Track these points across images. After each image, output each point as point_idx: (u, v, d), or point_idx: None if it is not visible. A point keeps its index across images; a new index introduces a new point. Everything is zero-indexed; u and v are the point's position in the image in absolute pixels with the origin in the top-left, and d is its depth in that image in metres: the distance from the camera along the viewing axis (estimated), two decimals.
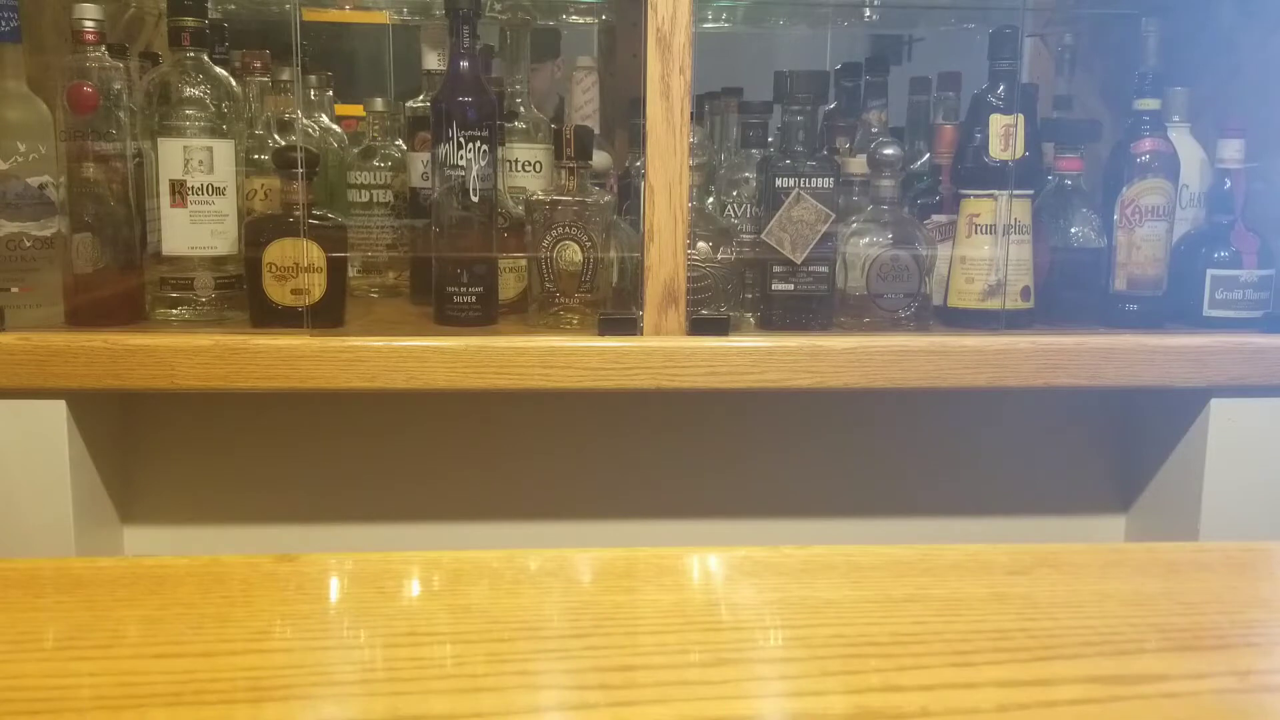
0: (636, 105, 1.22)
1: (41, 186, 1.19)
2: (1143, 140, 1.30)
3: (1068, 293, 1.34)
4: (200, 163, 1.22)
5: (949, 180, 1.36)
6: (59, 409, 1.15)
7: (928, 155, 1.43)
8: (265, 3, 1.57)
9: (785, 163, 1.26)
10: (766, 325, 1.28)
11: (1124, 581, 0.72)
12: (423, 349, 1.16)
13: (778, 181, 1.25)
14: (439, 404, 1.34)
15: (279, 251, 1.20)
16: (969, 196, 1.30)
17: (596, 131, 1.41)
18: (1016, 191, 1.28)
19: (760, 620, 0.66)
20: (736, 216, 1.36)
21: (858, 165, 1.34)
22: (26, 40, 1.19)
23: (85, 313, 1.20)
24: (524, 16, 1.39)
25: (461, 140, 1.21)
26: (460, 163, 1.21)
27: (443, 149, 1.22)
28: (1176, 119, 1.36)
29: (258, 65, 1.39)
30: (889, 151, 1.28)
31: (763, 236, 1.26)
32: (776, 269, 1.27)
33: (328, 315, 1.22)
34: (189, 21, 1.22)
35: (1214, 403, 1.25)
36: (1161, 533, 1.36)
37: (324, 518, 1.36)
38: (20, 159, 1.17)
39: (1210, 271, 1.31)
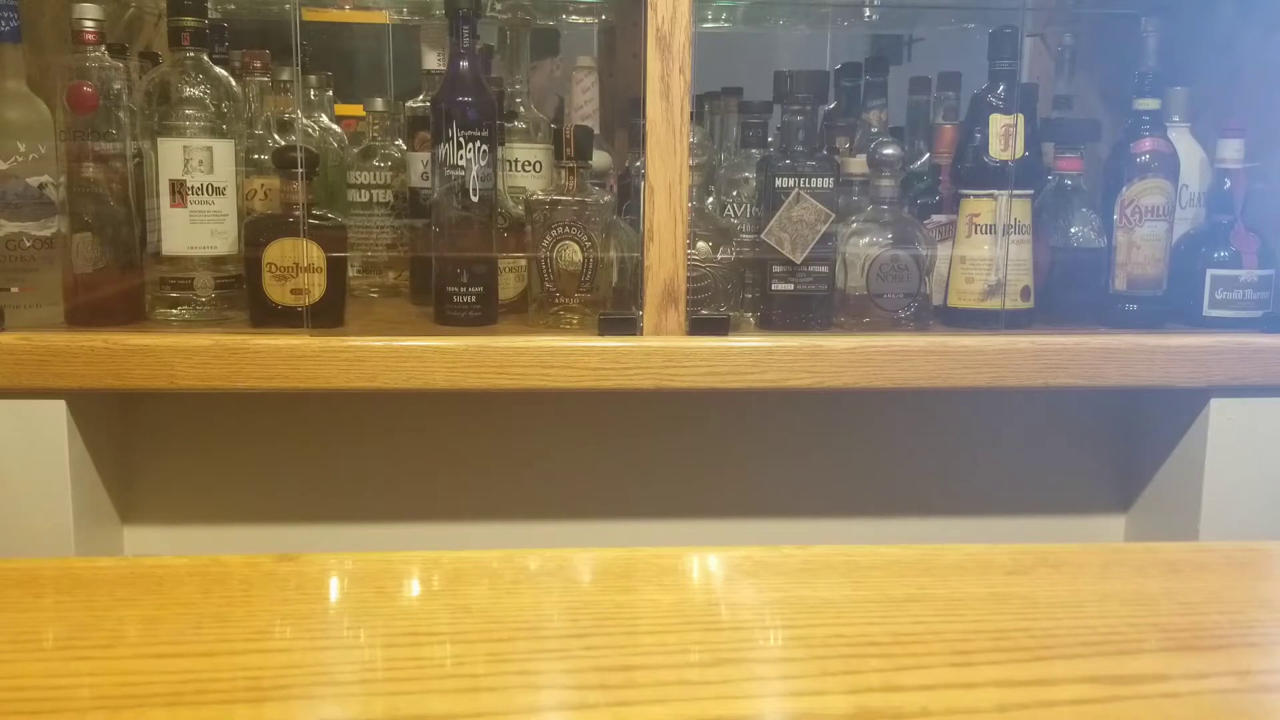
0: (636, 105, 1.22)
1: (41, 186, 1.19)
2: (1143, 140, 1.30)
3: (1068, 293, 1.34)
4: (200, 163, 1.22)
5: (949, 180, 1.36)
6: (59, 409, 1.15)
7: (928, 155, 1.43)
8: (265, 3, 1.57)
9: (785, 163, 1.26)
10: (766, 325, 1.28)
11: (1124, 581, 0.72)
12: (423, 349, 1.16)
13: (778, 181, 1.25)
14: (439, 404, 1.34)
15: (279, 251, 1.20)
16: (969, 196, 1.30)
17: (596, 131, 1.41)
18: (1016, 191, 1.28)
19: (760, 620, 0.66)
20: (736, 216, 1.36)
21: (858, 165, 1.34)
22: (26, 40, 1.19)
23: (85, 312, 1.20)
24: (524, 16, 1.39)
25: (461, 140, 1.21)
26: (460, 163, 1.21)
27: (443, 149, 1.22)
28: (1176, 119, 1.36)
29: (258, 65, 1.38)
30: (889, 151, 1.28)
31: (763, 236, 1.26)
32: (776, 269, 1.27)
33: (328, 315, 1.22)
34: (189, 21, 1.22)
35: (1214, 403, 1.25)
36: (1161, 533, 1.36)
37: (324, 518, 1.36)
38: (20, 159, 1.17)
39: (1210, 271, 1.31)
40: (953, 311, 1.31)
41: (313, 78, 1.50)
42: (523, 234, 1.27)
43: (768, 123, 1.37)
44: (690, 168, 1.19)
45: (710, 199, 1.37)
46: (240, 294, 1.24)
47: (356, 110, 1.58)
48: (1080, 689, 0.57)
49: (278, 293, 1.20)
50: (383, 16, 1.68)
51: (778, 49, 1.81)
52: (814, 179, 1.25)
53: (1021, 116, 1.27)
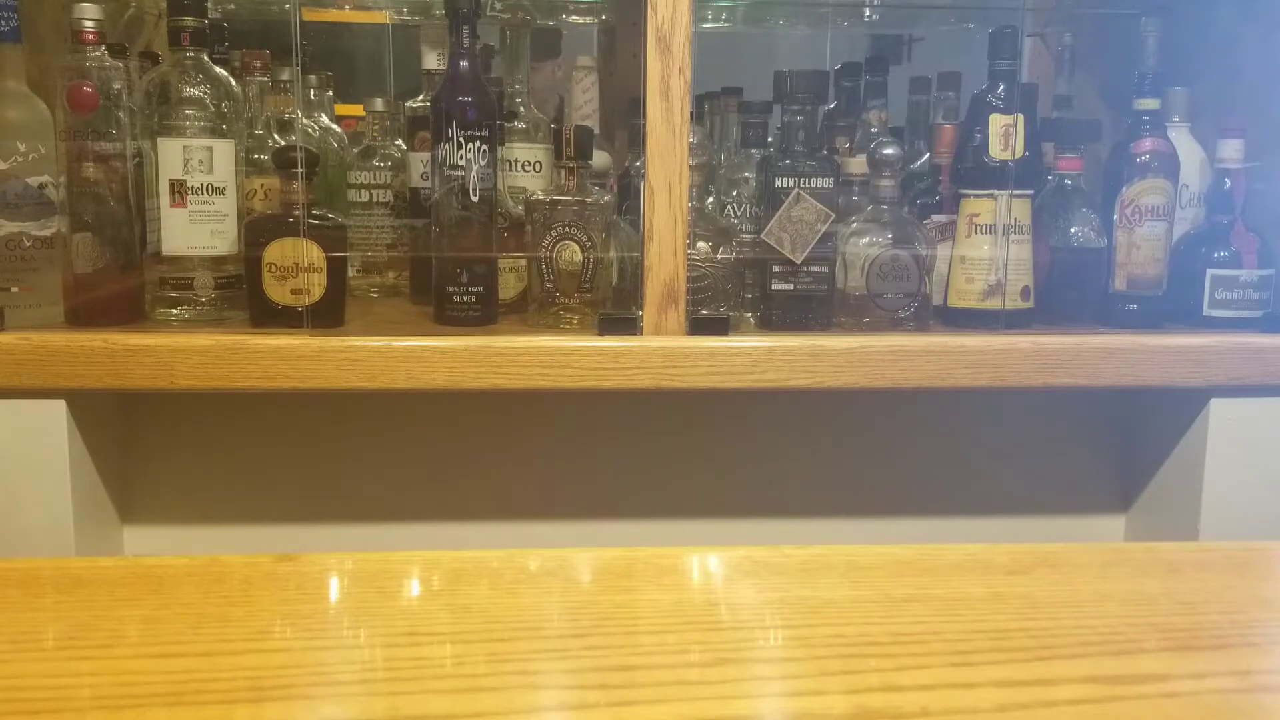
0: (636, 105, 1.22)
1: (41, 186, 1.19)
2: (1142, 140, 1.30)
3: (1068, 293, 1.34)
4: (200, 163, 1.22)
5: (949, 180, 1.36)
6: (59, 409, 1.15)
7: (928, 155, 1.43)
8: (265, 3, 1.57)
9: (785, 163, 1.26)
10: (766, 325, 1.28)
11: (1124, 581, 0.72)
12: (423, 349, 1.16)
13: (778, 181, 1.25)
14: (439, 404, 1.34)
15: (279, 251, 1.20)
16: (969, 196, 1.30)
17: (596, 131, 1.41)
18: (1016, 191, 1.28)
19: (760, 620, 0.66)
20: (736, 216, 1.36)
21: (858, 165, 1.34)
22: (26, 40, 1.19)
23: (85, 312, 1.20)
24: (524, 16, 1.39)
25: (461, 140, 1.21)
26: (460, 163, 1.21)
27: (443, 149, 1.22)
28: (1176, 119, 1.36)
29: (258, 65, 1.39)
30: (889, 151, 1.28)
31: (763, 236, 1.26)
32: (776, 269, 1.27)
33: (328, 315, 1.22)
34: (189, 21, 1.22)
35: (1214, 403, 1.25)
36: (1161, 533, 1.36)
37: (324, 518, 1.36)
38: (20, 159, 1.17)
39: (1210, 271, 1.31)
40: (953, 311, 1.31)
41: (313, 78, 1.50)
42: (523, 234, 1.27)
43: (768, 123, 1.37)
44: (690, 168, 1.19)
45: (710, 199, 1.37)
46: (240, 294, 1.24)
47: (356, 110, 1.58)
48: (1080, 689, 0.57)
49: (278, 293, 1.20)
50: (383, 16, 1.68)
51: (778, 49, 1.81)
52: (814, 179, 1.25)
53: (1021, 116, 1.27)
